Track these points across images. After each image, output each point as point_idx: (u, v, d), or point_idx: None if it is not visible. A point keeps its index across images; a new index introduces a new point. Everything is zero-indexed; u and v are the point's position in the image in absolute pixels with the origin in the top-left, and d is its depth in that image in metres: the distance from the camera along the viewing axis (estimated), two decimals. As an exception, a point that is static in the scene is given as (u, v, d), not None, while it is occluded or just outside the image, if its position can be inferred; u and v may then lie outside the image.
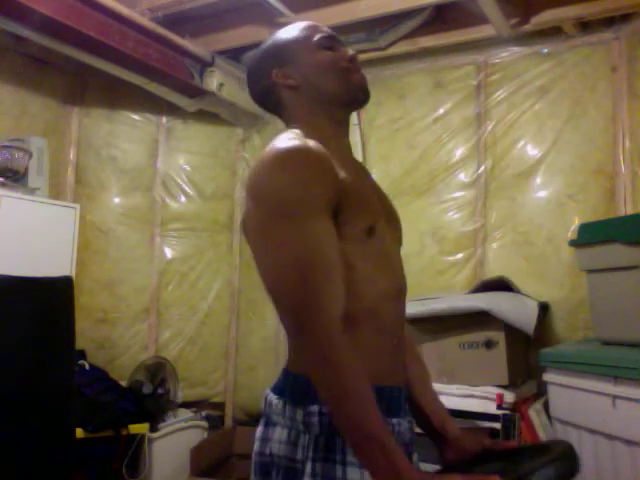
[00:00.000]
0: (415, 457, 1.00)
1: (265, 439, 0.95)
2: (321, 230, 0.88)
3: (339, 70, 1.06)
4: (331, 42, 1.08)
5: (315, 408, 0.90)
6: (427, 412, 1.10)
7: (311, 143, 0.94)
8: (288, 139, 0.95)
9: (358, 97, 1.08)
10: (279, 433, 0.93)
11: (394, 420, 0.94)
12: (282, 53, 1.08)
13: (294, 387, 0.95)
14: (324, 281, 0.85)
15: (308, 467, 0.87)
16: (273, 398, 0.97)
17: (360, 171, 1.09)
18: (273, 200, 0.89)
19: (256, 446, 0.97)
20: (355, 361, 0.84)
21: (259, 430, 0.99)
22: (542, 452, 0.92)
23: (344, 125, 1.10)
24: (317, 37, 1.07)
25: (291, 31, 1.10)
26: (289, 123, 1.08)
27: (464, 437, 1.07)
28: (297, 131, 0.99)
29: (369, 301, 0.95)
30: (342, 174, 0.94)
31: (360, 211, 0.95)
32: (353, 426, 0.82)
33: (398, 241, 1.11)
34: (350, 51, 1.09)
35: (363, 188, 1.00)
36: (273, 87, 1.08)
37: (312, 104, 1.06)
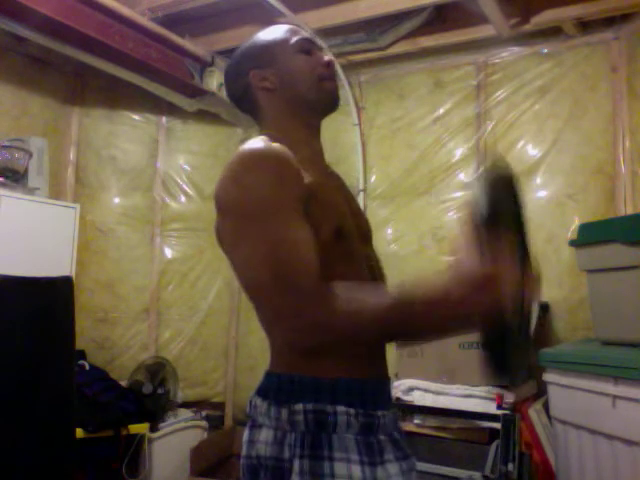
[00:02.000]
0: (404, 445, 0.99)
1: (251, 442, 0.96)
2: (291, 226, 0.88)
3: (314, 77, 1.06)
4: (309, 45, 1.09)
5: (299, 406, 0.90)
6: None
7: (275, 146, 0.95)
8: (252, 144, 0.95)
9: (328, 105, 1.09)
10: (265, 434, 0.93)
11: (379, 412, 0.95)
12: (260, 55, 1.08)
13: (277, 387, 0.95)
14: (299, 268, 0.85)
15: (296, 465, 0.88)
16: (257, 400, 0.97)
17: (329, 175, 1.09)
18: (239, 204, 0.90)
19: (243, 449, 0.98)
20: (364, 295, 0.85)
21: (245, 433, 0.99)
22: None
23: (316, 129, 1.11)
24: (295, 40, 1.08)
25: (271, 33, 1.11)
26: (261, 125, 1.09)
27: None
28: (264, 137, 1.00)
29: None
30: (308, 177, 0.94)
31: (326, 214, 0.95)
32: (435, 325, 0.85)
33: (368, 243, 1.12)
34: (327, 57, 1.09)
35: (329, 191, 1.00)
36: (249, 88, 1.08)
37: (286, 107, 1.07)
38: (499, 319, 0.80)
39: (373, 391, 0.97)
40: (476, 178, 0.79)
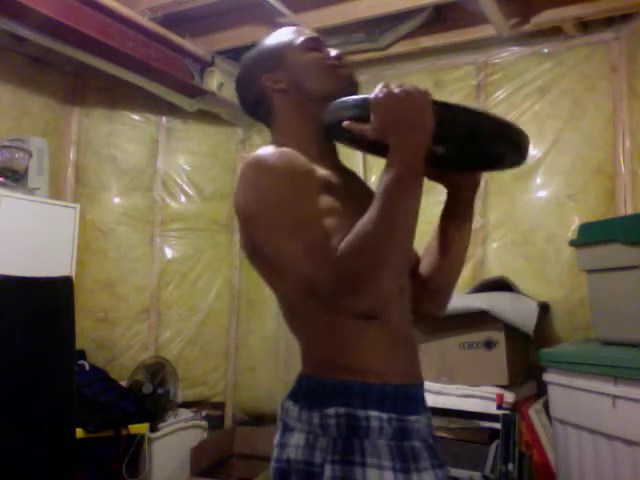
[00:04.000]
0: (438, 453, 0.98)
1: (282, 445, 0.95)
2: (315, 218, 0.90)
3: (327, 68, 1.07)
4: (316, 43, 1.09)
5: (332, 411, 0.90)
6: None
7: (284, 149, 0.96)
8: (260, 152, 0.97)
9: (349, 90, 1.08)
10: (296, 438, 0.93)
11: (412, 417, 0.93)
12: (269, 59, 1.09)
13: (308, 391, 0.95)
14: (330, 249, 0.88)
15: (327, 470, 0.87)
16: (289, 404, 0.97)
17: (343, 173, 1.09)
18: (264, 212, 0.93)
19: (274, 453, 0.97)
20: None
21: (276, 437, 0.98)
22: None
23: None
24: (302, 39, 1.09)
25: (276, 37, 1.12)
26: (273, 130, 1.10)
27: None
28: (270, 145, 1.01)
29: None
30: (319, 175, 0.96)
31: (341, 212, 0.95)
32: (404, 196, 0.89)
33: None
34: (335, 50, 1.10)
35: (343, 188, 1.01)
36: (263, 94, 1.09)
37: (300, 108, 1.07)
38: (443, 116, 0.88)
39: (406, 396, 0.95)
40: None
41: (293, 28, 1.13)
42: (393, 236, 0.87)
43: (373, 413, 0.89)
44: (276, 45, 1.10)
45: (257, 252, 0.97)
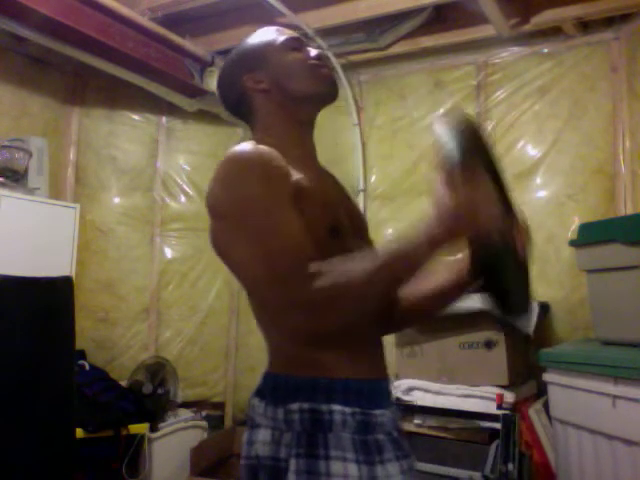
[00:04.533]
0: (406, 446, 1.00)
1: (250, 442, 0.96)
2: (279, 220, 0.89)
3: (307, 68, 1.07)
4: (297, 43, 1.10)
5: (295, 406, 0.91)
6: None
7: (261, 147, 0.95)
8: (238, 148, 0.96)
9: (328, 90, 1.09)
10: (263, 434, 0.94)
11: (377, 411, 0.95)
12: (250, 59, 1.09)
13: (274, 387, 0.96)
14: (289, 257, 0.86)
15: (292, 464, 0.88)
16: (255, 401, 0.98)
17: (321, 174, 1.10)
18: (228, 206, 0.92)
19: (243, 450, 0.98)
20: (344, 265, 0.87)
21: (245, 435, 1.00)
22: None
23: (310, 127, 1.11)
24: (283, 39, 1.09)
25: (257, 37, 1.12)
26: (254, 129, 1.10)
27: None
28: (251, 141, 1.00)
29: None
30: (297, 175, 0.95)
31: (319, 212, 0.96)
32: (409, 265, 0.87)
33: (364, 241, 1.12)
34: (315, 50, 1.10)
35: (321, 190, 1.00)
36: (245, 93, 1.09)
37: (280, 108, 1.07)
38: (486, 243, 0.83)
39: (370, 390, 0.97)
40: (443, 126, 0.81)
41: (274, 28, 1.13)
42: (382, 293, 0.89)
43: (336, 407, 0.91)
44: (257, 45, 1.10)
45: (222, 250, 0.98)
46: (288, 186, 0.93)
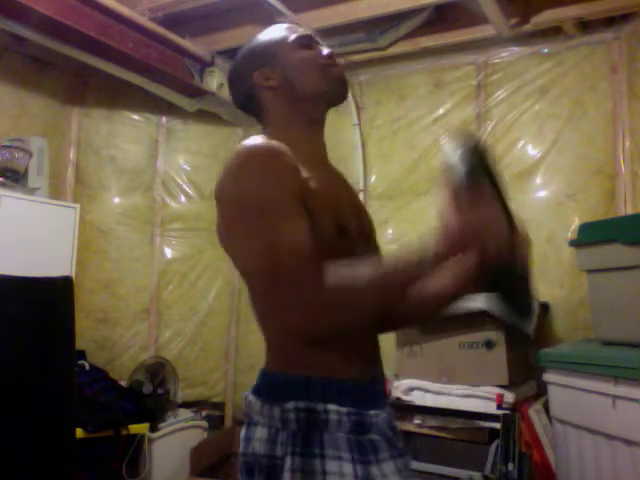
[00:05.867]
0: (400, 446, 1.00)
1: (248, 439, 0.96)
2: (286, 217, 0.89)
3: (318, 67, 1.07)
4: (308, 41, 1.09)
5: (291, 405, 0.91)
6: None
7: (272, 143, 0.95)
8: (249, 142, 0.96)
9: (339, 90, 1.09)
10: (259, 432, 0.94)
11: (371, 412, 0.95)
12: (261, 55, 1.09)
13: (271, 386, 0.97)
14: (293, 255, 0.86)
15: (287, 462, 0.88)
16: (252, 399, 0.98)
17: (331, 173, 1.10)
18: (236, 201, 0.92)
19: (240, 447, 0.99)
20: (355, 272, 0.88)
21: (242, 431, 1.00)
22: None
23: (319, 126, 1.11)
24: (294, 37, 1.09)
25: (269, 33, 1.12)
26: (265, 126, 1.09)
27: None
28: (262, 135, 1.00)
29: None
30: (306, 173, 0.95)
31: (327, 210, 0.96)
32: (412, 280, 0.88)
33: (370, 240, 1.12)
34: (327, 49, 1.10)
35: (330, 189, 1.00)
36: (254, 90, 1.09)
37: (291, 105, 1.07)
38: (494, 268, 0.84)
39: (365, 391, 0.97)
40: (450, 148, 0.82)
41: (286, 25, 1.13)
42: (384, 304, 0.90)
43: (332, 407, 0.91)
44: (268, 42, 1.10)
45: (227, 242, 0.98)
46: (297, 183, 0.93)
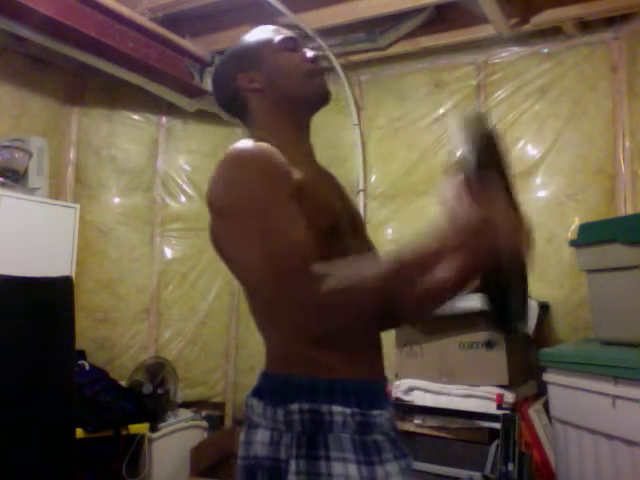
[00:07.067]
0: (401, 448, 1.00)
1: (248, 442, 0.96)
2: (281, 218, 0.89)
3: (301, 73, 1.07)
4: (293, 43, 1.09)
5: (295, 407, 0.90)
6: None
7: (263, 145, 0.95)
8: (239, 145, 0.96)
9: (318, 100, 1.09)
10: (261, 435, 0.93)
11: (375, 412, 0.95)
12: (246, 57, 1.09)
13: (273, 388, 0.96)
14: (291, 256, 0.86)
15: (292, 465, 0.88)
16: (253, 401, 0.98)
17: (319, 173, 1.10)
18: (229, 204, 0.91)
19: (240, 450, 0.98)
20: (351, 269, 0.88)
21: (242, 434, 0.99)
22: None
23: (305, 127, 1.11)
24: (279, 39, 1.08)
25: (253, 35, 1.12)
26: (251, 128, 1.09)
27: None
28: (251, 138, 1.00)
29: None
30: (297, 174, 0.95)
31: (318, 210, 0.95)
32: (415, 274, 0.89)
33: (362, 239, 1.12)
34: (311, 52, 1.09)
35: (321, 189, 1.00)
36: (238, 92, 1.09)
37: (275, 108, 1.07)
38: (499, 263, 0.82)
39: (369, 391, 0.97)
40: (459, 128, 0.79)
41: (271, 27, 1.13)
42: (386, 299, 0.90)
43: (337, 408, 0.91)
44: (253, 44, 1.10)
45: (222, 248, 0.98)
46: (290, 184, 0.92)
